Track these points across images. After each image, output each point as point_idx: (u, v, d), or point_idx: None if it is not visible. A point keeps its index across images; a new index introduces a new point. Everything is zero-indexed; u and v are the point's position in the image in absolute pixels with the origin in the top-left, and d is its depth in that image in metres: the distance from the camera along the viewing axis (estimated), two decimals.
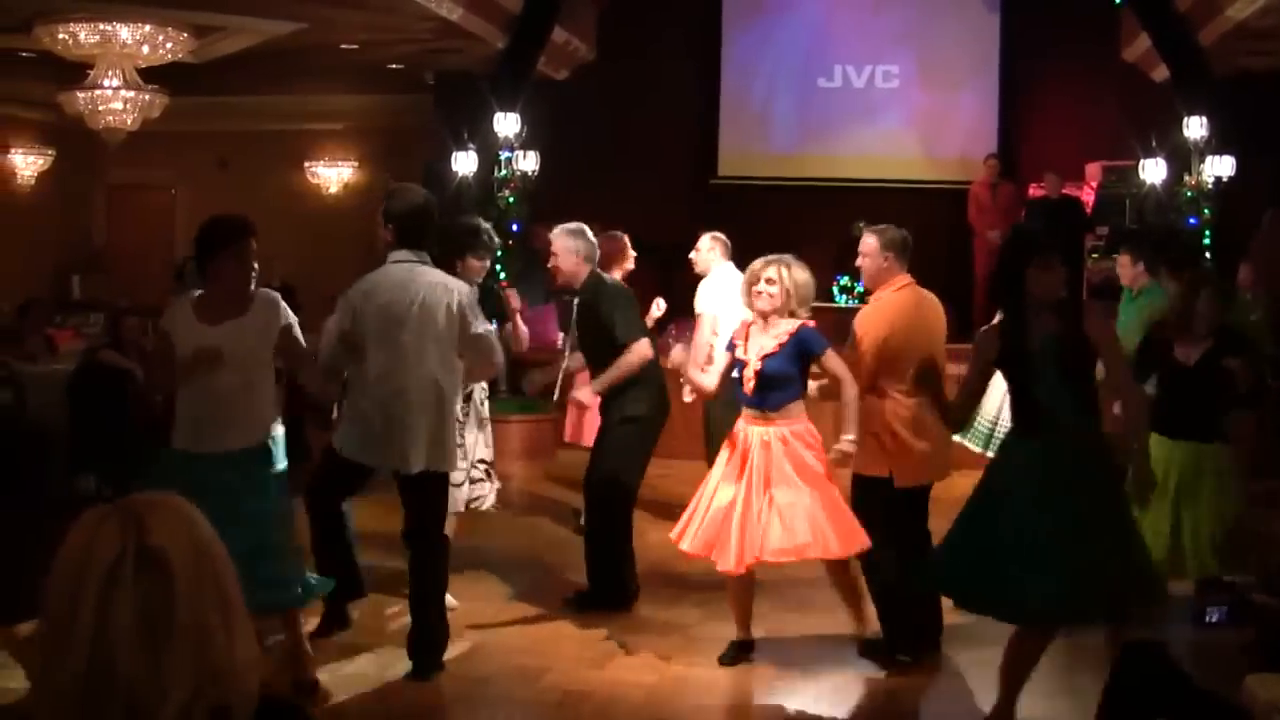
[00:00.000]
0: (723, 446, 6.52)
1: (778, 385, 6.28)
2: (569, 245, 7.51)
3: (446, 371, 6.24)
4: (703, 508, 6.38)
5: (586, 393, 7.64)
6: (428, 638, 6.36)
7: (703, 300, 8.94)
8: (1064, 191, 15.40)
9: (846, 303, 15.95)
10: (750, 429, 6.33)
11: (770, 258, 6.45)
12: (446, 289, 6.28)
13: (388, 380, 6.17)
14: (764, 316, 6.39)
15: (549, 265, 7.66)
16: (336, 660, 6.57)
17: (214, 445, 5.72)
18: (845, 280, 15.96)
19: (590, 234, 7.61)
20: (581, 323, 7.63)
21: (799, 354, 6.30)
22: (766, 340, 6.35)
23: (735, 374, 6.45)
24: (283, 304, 5.95)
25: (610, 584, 7.59)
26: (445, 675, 6.37)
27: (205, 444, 5.73)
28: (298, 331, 5.94)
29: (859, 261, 6.80)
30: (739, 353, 6.41)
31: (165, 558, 1.80)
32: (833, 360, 6.33)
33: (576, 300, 7.61)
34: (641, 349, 7.33)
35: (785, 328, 6.34)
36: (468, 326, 6.26)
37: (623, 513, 7.62)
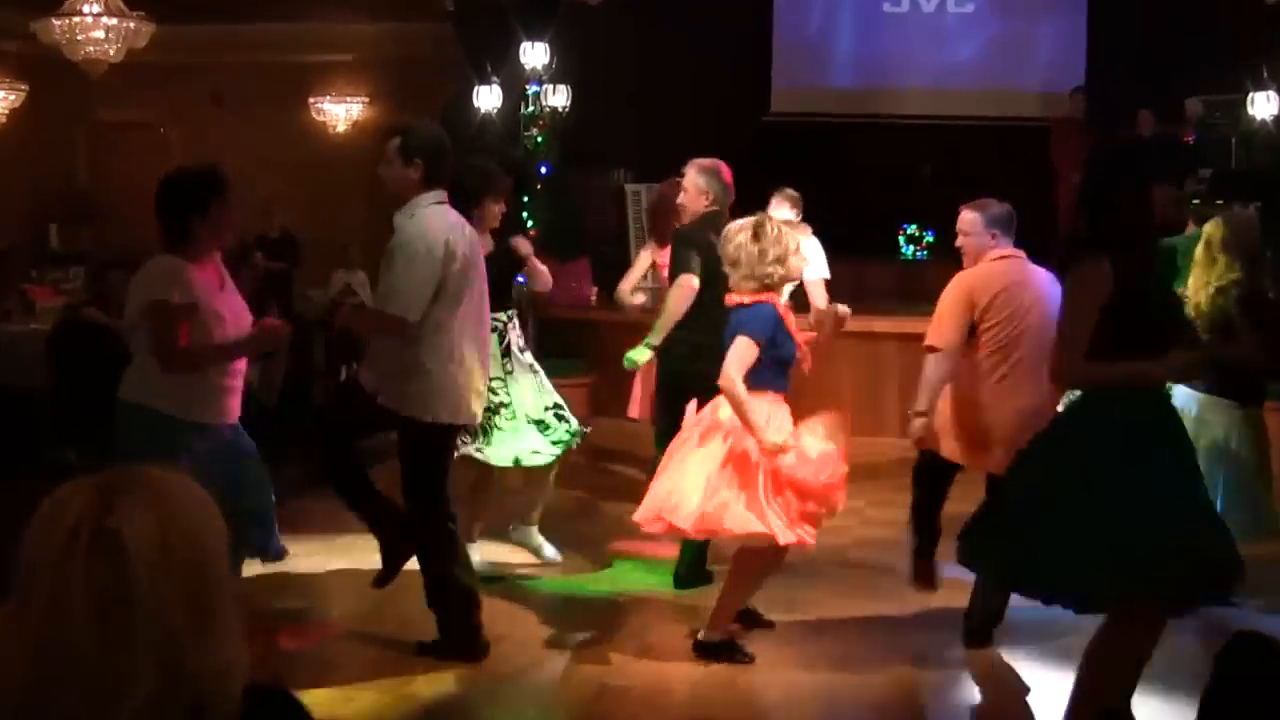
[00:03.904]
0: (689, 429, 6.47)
1: None
2: (699, 184, 7.67)
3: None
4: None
5: (639, 348, 7.73)
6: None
7: None
8: (1160, 129, 15.25)
9: (914, 255, 15.89)
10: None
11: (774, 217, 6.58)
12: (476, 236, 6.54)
13: (466, 333, 6.37)
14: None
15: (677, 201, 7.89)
16: (357, 650, 6.64)
17: (230, 416, 6.01)
18: (912, 229, 15.89)
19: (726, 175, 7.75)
20: None
21: None
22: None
23: (772, 357, 6.36)
24: None
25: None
26: (473, 669, 6.40)
27: (222, 415, 5.97)
28: None
29: (959, 242, 6.84)
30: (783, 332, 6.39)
31: (120, 542, 1.81)
32: None
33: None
34: (682, 283, 7.48)
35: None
36: None
37: None
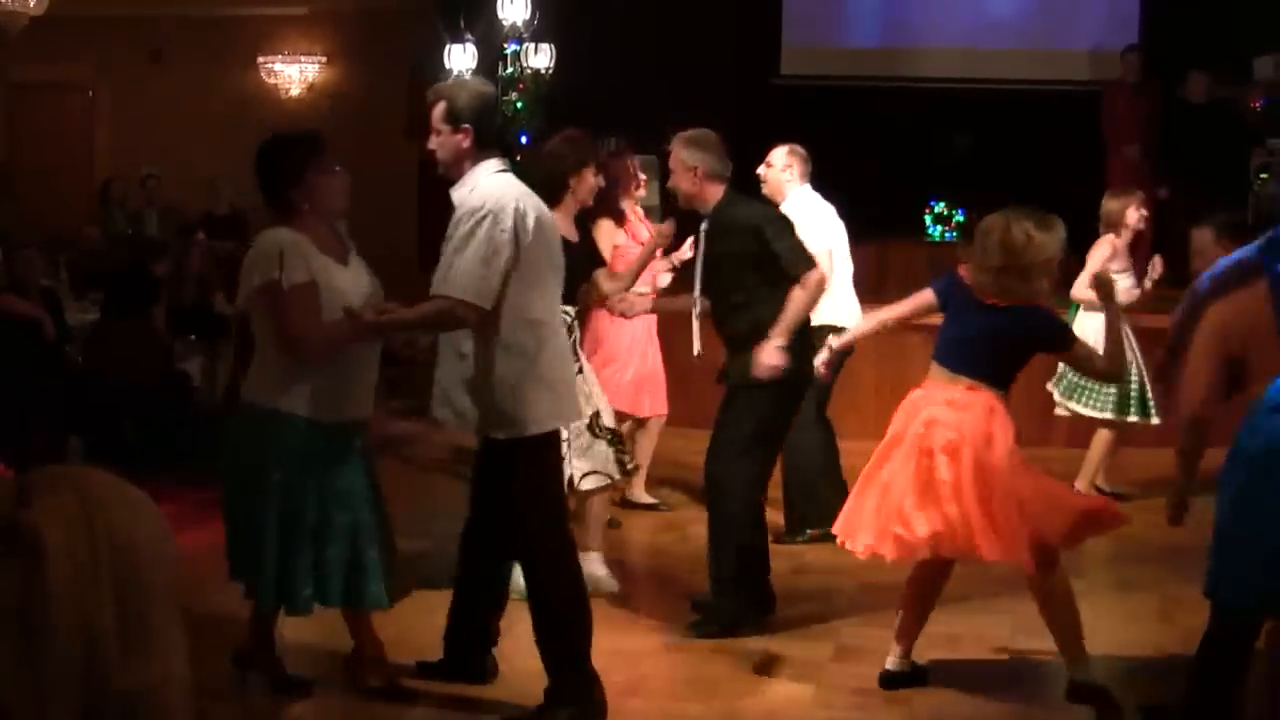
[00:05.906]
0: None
1: None
2: (682, 158, 7.53)
3: None
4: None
5: (773, 352, 7.19)
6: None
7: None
8: (1218, 93, 15.21)
9: (942, 236, 15.91)
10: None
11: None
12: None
13: (549, 324, 6.18)
14: None
15: (667, 185, 7.83)
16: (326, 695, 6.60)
17: (352, 412, 6.09)
18: (941, 208, 15.92)
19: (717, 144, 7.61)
20: (709, 257, 7.65)
21: None
22: None
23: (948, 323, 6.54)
24: None
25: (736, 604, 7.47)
26: (487, 705, 6.38)
27: (342, 411, 6.05)
28: None
29: (1196, 264, 6.55)
30: None
31: (37, 538, 1.80)
32: None
33: (704, 228, 7.69)
34: (819, 278, 7.37)
35: None
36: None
37: (750, 503, 7.52)
